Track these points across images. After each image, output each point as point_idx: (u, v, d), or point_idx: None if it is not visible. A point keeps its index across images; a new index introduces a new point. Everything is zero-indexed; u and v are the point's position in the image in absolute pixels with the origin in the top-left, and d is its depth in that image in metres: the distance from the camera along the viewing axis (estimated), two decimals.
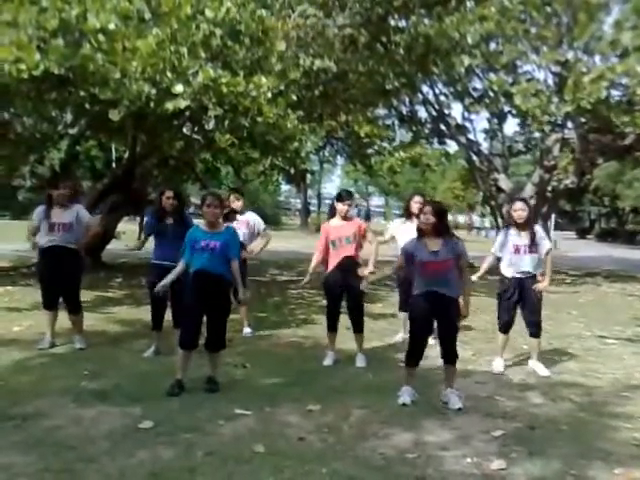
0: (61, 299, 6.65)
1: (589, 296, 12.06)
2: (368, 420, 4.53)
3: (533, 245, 5.97)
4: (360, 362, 6.24)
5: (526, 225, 5.99)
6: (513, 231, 6.05)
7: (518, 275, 6.01)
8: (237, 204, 7.52)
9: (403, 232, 6.78)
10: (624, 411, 4.87)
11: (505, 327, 6.19)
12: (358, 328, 6.33)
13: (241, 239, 7.07)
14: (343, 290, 6.20)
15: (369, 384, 5.53)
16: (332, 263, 6.19)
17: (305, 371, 5.91)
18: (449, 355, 5.02)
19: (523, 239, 5.98)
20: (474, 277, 5.81)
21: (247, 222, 7.57)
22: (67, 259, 6.47)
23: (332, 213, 6.36)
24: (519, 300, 6.06)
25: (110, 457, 3.72)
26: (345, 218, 6.22)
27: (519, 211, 5.98)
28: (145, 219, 6.34)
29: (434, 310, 4.89)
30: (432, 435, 4.26)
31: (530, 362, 6.22)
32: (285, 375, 5.71)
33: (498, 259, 6.23)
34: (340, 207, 6.20)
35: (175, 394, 4.99)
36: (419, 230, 4.97)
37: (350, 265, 6.12)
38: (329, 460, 3.77)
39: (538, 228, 6.16)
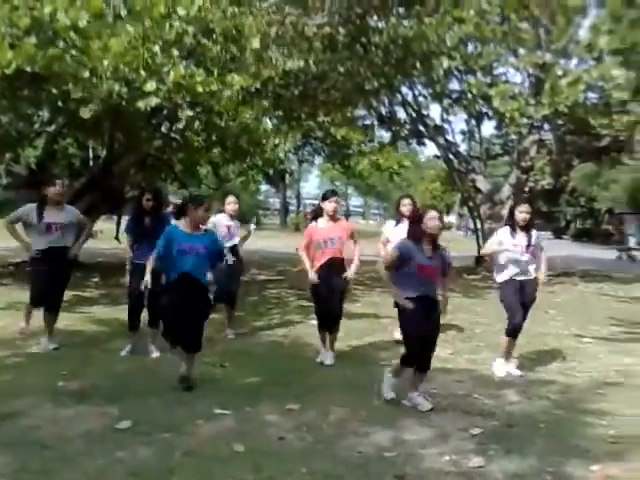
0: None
1: (566, 295, 12.19)
2: (347, 419, 4.54)
3: (531, 246, 5.99)
4: (330, 360, 6.22)
5: (527, 227, 6.02)
6: (512, 231, 6.05)
7: (520, 277, 6.02)
8: (234, 207, 7.40)
9: (397, 234, 6.79)
10: (600, 408, 4.93)
11: (517, 331, 6.06)
12: (335, 328, 6.34)
13: (237, 242, 7.17)
14: (329, 289, 6.20)
15: (348, 383, 5.54)
16: (318, 264, 6.19)
17: (284, 370, 5.90)
18: (428, 361, 4.97)
19: (522, 240, 6.00)
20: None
21: (238, 226, 7.51)
22: (65, 260, 6.41)
23: (315, 216, 6.37)
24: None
25: (88, 457, 3.68)
26: (333, 218, 6.23)
27: (524, 213, 6.00)
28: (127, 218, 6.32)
29: (427, 313, 4.89)
30: (411, 433, 4.28)
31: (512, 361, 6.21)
32: (264, 374, 5.70)
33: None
34: (328, 206, 6.20)
35: (190, 387, 5.08)
36: (422, 234, 4.89)
37: (336, 266, 6.16)
38: (309, 459, 3.77)
39: (534, 230, 6.16)
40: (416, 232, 4.89)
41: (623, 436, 4.28)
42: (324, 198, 6.29)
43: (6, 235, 6.56)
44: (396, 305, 4.92)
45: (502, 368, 6.02)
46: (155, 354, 6.27)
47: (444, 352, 6.75)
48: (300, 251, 6.33)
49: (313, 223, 6.36)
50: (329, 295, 6.21)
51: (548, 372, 6.09)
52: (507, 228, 6.11)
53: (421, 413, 4.69)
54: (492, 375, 5.95)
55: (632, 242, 27.32)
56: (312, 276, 6.20)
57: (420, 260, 4.81)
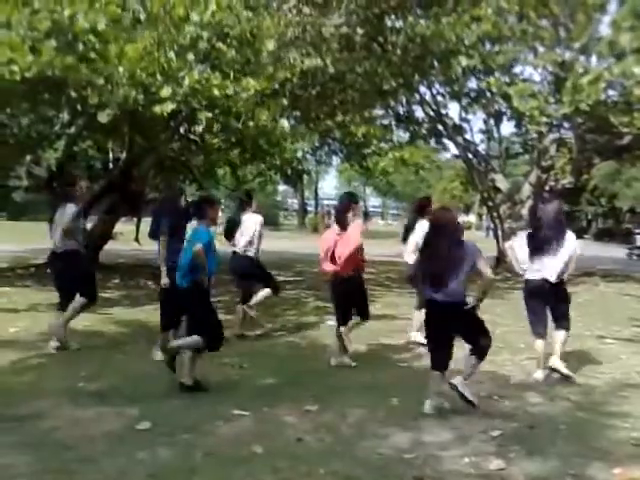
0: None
1: (587, 296, 12.06)
2: (366, 420, 4.53)
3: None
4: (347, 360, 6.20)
5: None
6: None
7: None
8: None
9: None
10: (622, 410, 4.87)
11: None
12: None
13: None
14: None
15: (367, 384, 5.52)
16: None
17: (302, 371, 5.90)
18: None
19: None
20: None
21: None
22: None
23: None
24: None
25: (109, 458, 3.71)
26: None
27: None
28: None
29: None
30: (430, 435, 4.25)
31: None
32: (282, 375, 5.70)
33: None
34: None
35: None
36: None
37: None
38: (327, 460, 3.76)
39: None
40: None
41: None
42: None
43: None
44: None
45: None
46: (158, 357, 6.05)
47: (463, 353, 6.70)
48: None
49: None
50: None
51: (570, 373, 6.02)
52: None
53: (441, 415, 4.66)
54: (512, 377, 5.89)
55: (639, 241, 27.16)
56: None
57: None
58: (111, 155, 17.09)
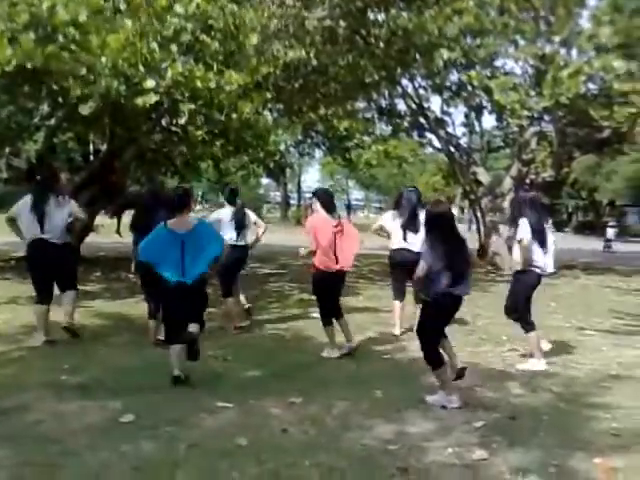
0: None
1: (567, 288, 12.19)
2: (350, 412, 4.54)
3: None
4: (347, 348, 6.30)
5: None
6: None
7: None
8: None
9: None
10: (603, 401, 4.93)
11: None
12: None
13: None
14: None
15: (351, 376, 5.54)
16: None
17: (287, 363, 5.90)
18: None
19: None
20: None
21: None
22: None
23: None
24: None
25: (92, 451, 3.69)
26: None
27: None
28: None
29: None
30: (414, 426, 4.28)
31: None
32: (267, 368, 5.70)
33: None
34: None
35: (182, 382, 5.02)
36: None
37: None
38: (312, 452, 3.77)
39: None
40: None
41: (626, 429, 4.28)
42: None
43: (6, 230, 6.57)
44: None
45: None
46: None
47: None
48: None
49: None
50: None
51: (551, 365, 6.07)
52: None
53: (424, 406, 4.69)
54: (494, 368, 5.94)
55: (610, 234, 27.62)
56: None
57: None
58: (92, 147, 16.89)
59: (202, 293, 5.28)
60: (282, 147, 15.20)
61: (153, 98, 7.86)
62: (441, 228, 4.70)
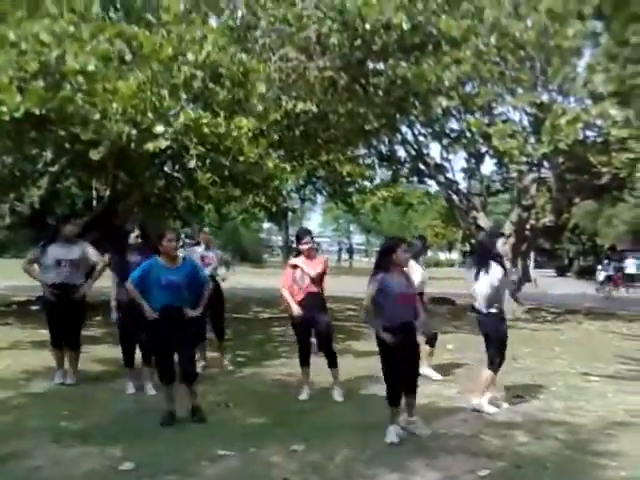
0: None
1: (571, 333, 12.12)
2: (353, 459, 4.48)
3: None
4: (338, 396, 6.27)
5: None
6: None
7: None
8: (204, 238, 7.93)
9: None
10: (609, 449, 4.86)
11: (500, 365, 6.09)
12: (331, 363, 6.38)
13: (210, 272, 7.15)
14: (311, 326, 6.30)
15: (354, 422, 5.47)
16: (297, 300, 6.27)
17: (289, 410, 5.84)
18: (414, 383, 5.16)
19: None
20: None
21: (215, 255, 7.85)
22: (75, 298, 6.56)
23: (297, 252, 6.47)
24: None
25: None
26: (309, 256, 6.31)
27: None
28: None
29: (407, 340, 4.97)
30: (418, 475, 4.22)
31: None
32: (269, 414, 5.64)
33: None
34: (301, 248, 6.33)
35: (168, 424, 5.08)
36: (391, 265, 5.04)
37: (314, 300, 6.23)
38: None
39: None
40: (387, 263, 5.06)
41: (634, 478, 4.21)
42: (297, 239, 6.45)
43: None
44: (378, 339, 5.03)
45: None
46: (151, 392, 6.22)
47: (451, 391, 6.71)
48: (283, 287, 6.41)
49: (293, 260, 6.45)
50: (315, 332, 6.35)
51: (556, 411, 6.01)
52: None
53: (428, 454, 4.62)
54: (498, 415, 5.87)
55: (601, 277, 27.56)
56: (295, 309, 6.25)
57: (397, 289, 4.97)
58: (95, 192, 17.04)
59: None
60: (284, 192, 15.29)
61: (164, 143, 8.03)
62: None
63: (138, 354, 6.48)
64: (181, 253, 6.04)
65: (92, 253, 6.71)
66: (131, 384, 6.38)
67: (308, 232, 6.56)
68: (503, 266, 5.95)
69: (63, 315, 6.48)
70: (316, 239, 7.03)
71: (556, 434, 5.24)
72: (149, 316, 5.26)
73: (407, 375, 5.09)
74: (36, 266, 6.64)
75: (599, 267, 28.63)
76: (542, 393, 6.77)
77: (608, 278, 25.93)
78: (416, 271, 6.96)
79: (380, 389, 6.80)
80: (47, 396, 6.09)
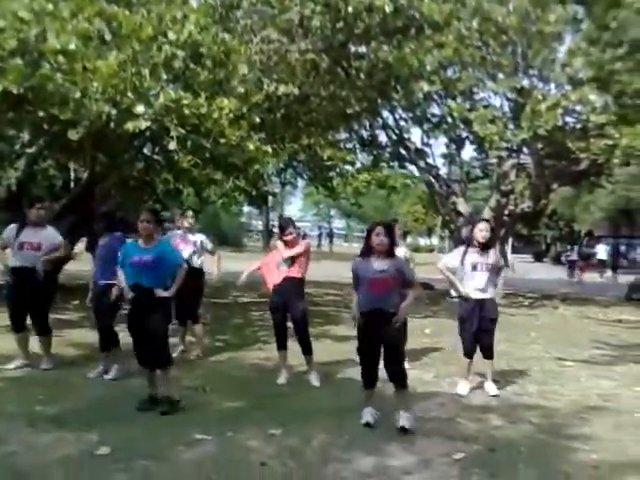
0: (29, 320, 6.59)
1: (546, 318, 12.26)
2: (330, 444, 4.50)
3: (490, 264, 6.04)
4: (315, 381, 6.29)
5: (487, 245, 6.08)
6: (472, 250, 6.10)
7: (478, 296, 6.02)
8: (189, 222, 7.65)
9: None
10: (582, 432, 4.94)
11: (471, 352, 6.15)
12: (306, 350, 6.39)
13: (186, 257, 6.93)
14: (287, 311, 6.29)
15: (331, 407, 5.49)
16: (273, 283, 6.29)
17: (267, 394, 5.85)
18: (396, 376, 5.02)
19: (482, 258, 6.04)
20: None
21: (195, 242, 7.59)
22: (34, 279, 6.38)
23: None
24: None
25: None
26: (292, 246, 6.25)
27: (484, 231, 6.07)
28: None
29: (378, 327, 4.88)
30: (394, 459, 4.25)
31: (485, 384, 6.22)
32: (246, 398, 5.64)
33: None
34: (286, 239, 6.25)
35: (146, 409, 5.05)
36: (370, 249, 4.96)
37: (291, 286, 6.21)
38: None
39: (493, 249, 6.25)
40: (366, 247, 4.98)
41: (606, 461, 4.29)
42: (281, 230, 6.37)
43: None
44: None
45: (464, 386, 6.13)
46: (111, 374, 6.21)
47: (427, 375, 6.76)
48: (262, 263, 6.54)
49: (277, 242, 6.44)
50: (291, 317, 6.34)
51: (530, 396, 6.10)
52: (465, 247, 6.18)
53: (404, 438, 4.66)
54: (474, 399, 5.93)
55: (564, 261, 27.78)
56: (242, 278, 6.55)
57: (368, 274, 4.88)
58: (73, 174, 16.82)
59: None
60: (265, 175, 15.23)
61: (144, 124, 7.90)
62: None
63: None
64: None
65: (55, 237, 6.63)
66: (109, 368, 6.33)
67: (291, 222, 6.45)
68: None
69: (23, 299, 6.38)
70: (297, 224, 6.92)
71: (530, 418, 5.31)
72: (125, 294, 5.29)
73: (386, 361, 4.99)
74: (9, 250, 6.53)
75: (567, 253, 28.75)
76: (518, 377, 6.85)
77: (571, 263, 26.00)
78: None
79: (356, 373, 6.85)
80: (22, 380, 6.03)
